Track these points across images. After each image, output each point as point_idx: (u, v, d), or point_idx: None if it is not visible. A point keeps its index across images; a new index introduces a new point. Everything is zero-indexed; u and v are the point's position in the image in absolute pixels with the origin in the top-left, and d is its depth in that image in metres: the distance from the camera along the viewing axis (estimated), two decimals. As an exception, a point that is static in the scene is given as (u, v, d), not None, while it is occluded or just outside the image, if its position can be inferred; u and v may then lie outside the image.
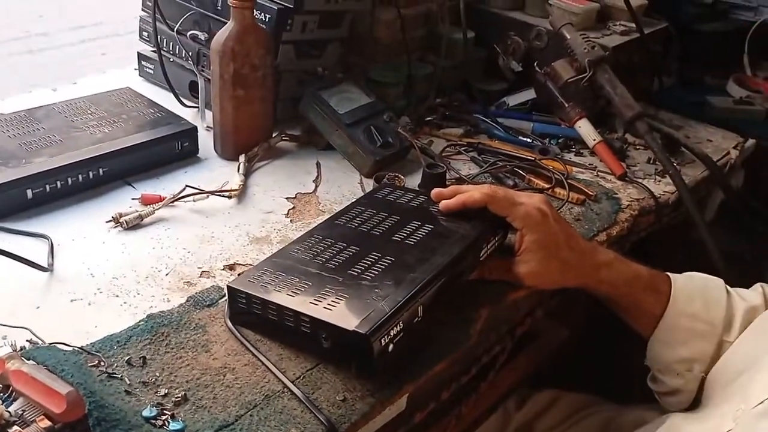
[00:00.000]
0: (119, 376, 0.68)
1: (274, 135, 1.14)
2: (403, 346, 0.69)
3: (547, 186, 1.08)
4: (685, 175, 1.18)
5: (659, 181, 1.16)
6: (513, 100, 1.30)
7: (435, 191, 0.88)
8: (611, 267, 0.85)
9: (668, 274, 0.87)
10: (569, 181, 1.10)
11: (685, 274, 0.89)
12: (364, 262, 0.76)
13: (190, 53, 1.18)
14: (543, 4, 1.33)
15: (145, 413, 0.64)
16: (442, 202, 0.86)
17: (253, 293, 0.72)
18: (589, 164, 1.19)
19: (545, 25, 1.29)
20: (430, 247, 0.79)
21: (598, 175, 1.16)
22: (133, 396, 0.66)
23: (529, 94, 1.30)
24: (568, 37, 1.22)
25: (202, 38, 1.15)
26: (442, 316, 0.81)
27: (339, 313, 0.68)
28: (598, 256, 0.86)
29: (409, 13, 1.27)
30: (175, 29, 1.17)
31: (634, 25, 1.31)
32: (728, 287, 0.86)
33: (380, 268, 0.75)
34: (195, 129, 1.07)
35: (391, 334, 0.67)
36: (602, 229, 1.02)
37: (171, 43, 1.21)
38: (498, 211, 0.83)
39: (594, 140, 1.18)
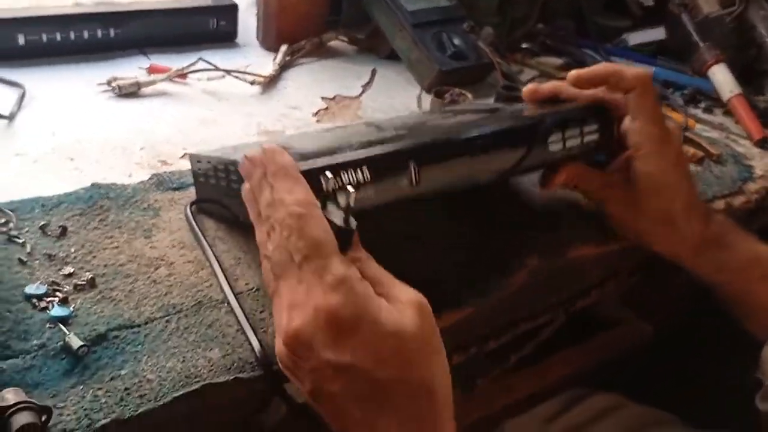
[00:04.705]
0: (21, 241, 0.52)
1: (329, 32, 0.95)
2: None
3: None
4: None
5: (813, 156, 0.88)
6: (635, 38, 1.05)
7: (530, 86, 0.64)
8: (721, 245, 0.60)
9: None
10: (688, 134, 0.84)
11: None
12: (364, 139, 0.53)
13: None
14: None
15: (29, 289, 0.48)
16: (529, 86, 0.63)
17: (213, 155, 0.54)
18: (719, 124, 0.92)
19: (692, -50, 1.02)
20: (465, 127, 0.57)
21: (728, 137, 0.89)
22: (27, 267, 0.50)
23: (656, 34, 1.04)
24: (719, -41, 0.95)
25: None
26: (466, 252, 0.60)
27: None
28: (710, 226, 0.61)
29: None
30: None
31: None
32: None
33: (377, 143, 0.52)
34: (235, 7, 0.91)
35: None
36: (721, 195, 0.76)
37: None
38: (636, 108, 0.58)
39: (731, 92, 0.91)
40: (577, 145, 0.57)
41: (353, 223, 0.42)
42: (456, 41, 0.88)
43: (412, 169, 0.47)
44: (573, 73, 0.60)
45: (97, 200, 0.58)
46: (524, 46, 1.03)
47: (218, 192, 0.54)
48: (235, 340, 0.48)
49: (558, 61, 0.99)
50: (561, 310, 0.68)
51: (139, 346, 0.46)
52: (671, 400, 0.81)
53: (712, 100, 0.96)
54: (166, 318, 0.48)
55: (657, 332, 0.85)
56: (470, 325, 0.58)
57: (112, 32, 0.82)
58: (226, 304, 0.50)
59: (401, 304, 0.39)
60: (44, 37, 0.78)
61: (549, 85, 0.62)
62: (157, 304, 0.49)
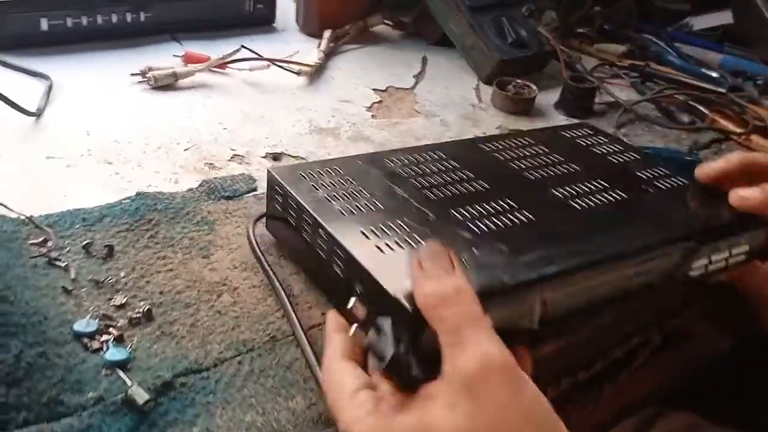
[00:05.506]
0: (64, 264, 0.45)
1: (373, 15, 0.88)
2: None
3: (738, 131, 0.76)
4: None
5: None
6: (700, 22, 0.97)
7: (702, 168, 0.50)
8: None
9: None
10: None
11: None
12: (481, 207, 0.45)
13: None
14: None
15: (79, 326, 0.41)
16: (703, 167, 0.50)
17: (291, 191, 0.45)
18: (798, 118, 0.85)
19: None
20: (607, 221, 0.46)
21: (810, 134, 0.82)
22: (73, 297, 0.43)
23: (722, 18, 0.97)
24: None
25: None
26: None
27: (391, 262, 0.38)
28: None
29: None
30: None
31: None
32: None
33: (502, 222, 0.44)
34: (274, -12, 0.83)
35: None
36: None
37: None
38: None
39: (813, 83, 0.84)
40: (719, 269, 0.48)
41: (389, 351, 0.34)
42: (516, 27, 0.81)
43: (538, 305, 0.39)
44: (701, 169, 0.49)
45: (145, 213, 0.51)
46: (580, 30, 0.95)
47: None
48: (317, 384, 0.41)
49: (619, 48, 0.92)
50: (653, 331, 0.61)
51: (211, 395, 0.39)
52: (751, 422, 0.75)
53: (787, 90, 0.89)
54: (238, 358, 0.42)
55: (735, 345, 0.79)
56: (564, 355, 0.52)
57: (142, 16, 0.74)
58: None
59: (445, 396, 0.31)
60: (69, 22, 0.70)
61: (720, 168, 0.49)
62: (225, 340, 0.43)
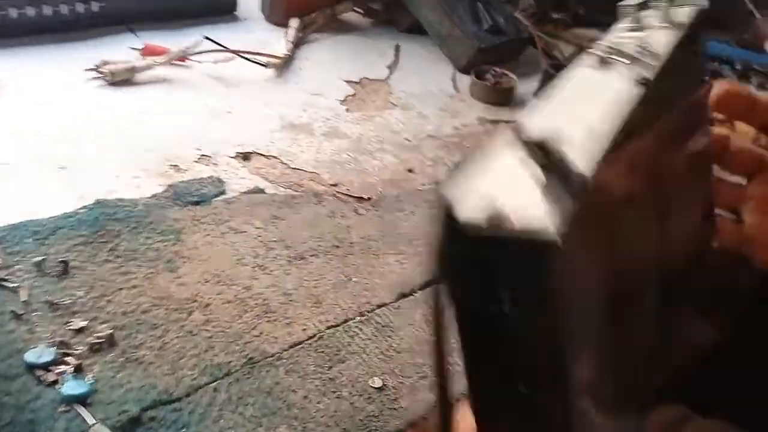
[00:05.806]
0: (14, 285, 0.40)
1: (342, 3, 0.83)
2: None
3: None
4: None
5: None
6: (675, 6, 0.94)
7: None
8: None
9: None
10: (755, 116, 0.75)
11: None
12: None
13: None
14: None
15: (31, 356, 0.36)
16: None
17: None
18: (778, 103, 0.83)
19: None
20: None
21: (792, 118, 0.80)
22: (24, 323, 0.39)
23: (698, 1, 0.94)
24: None
25: None
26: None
27: None
28: None
29: None
30: None
31: None
32: None
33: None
34: (235, -26, 0.78)
35: None
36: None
37: None
38: None
39: (793, 67, 0.82)
40: None
41: None
42: (493, 13, 0.78)
43: None
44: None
45: (104, 223, 0.46)
46: (556, 16, 0.92)
47: None
48: (303, 411, 0.37)
49: (595, 33, 0.89)
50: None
51: (184, 429, 0.35)
52: (740, 414, 0.73)
53: (765, 75, 0.87)
54: (213, 385, 0.38)
55: (724, 336, 0.77)
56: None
57: (94, 6, 0.69)
58: (285, 359, 0.40)
59: None
60: (13, 13, 0.65)
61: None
62: (198, 365, 0.39)
